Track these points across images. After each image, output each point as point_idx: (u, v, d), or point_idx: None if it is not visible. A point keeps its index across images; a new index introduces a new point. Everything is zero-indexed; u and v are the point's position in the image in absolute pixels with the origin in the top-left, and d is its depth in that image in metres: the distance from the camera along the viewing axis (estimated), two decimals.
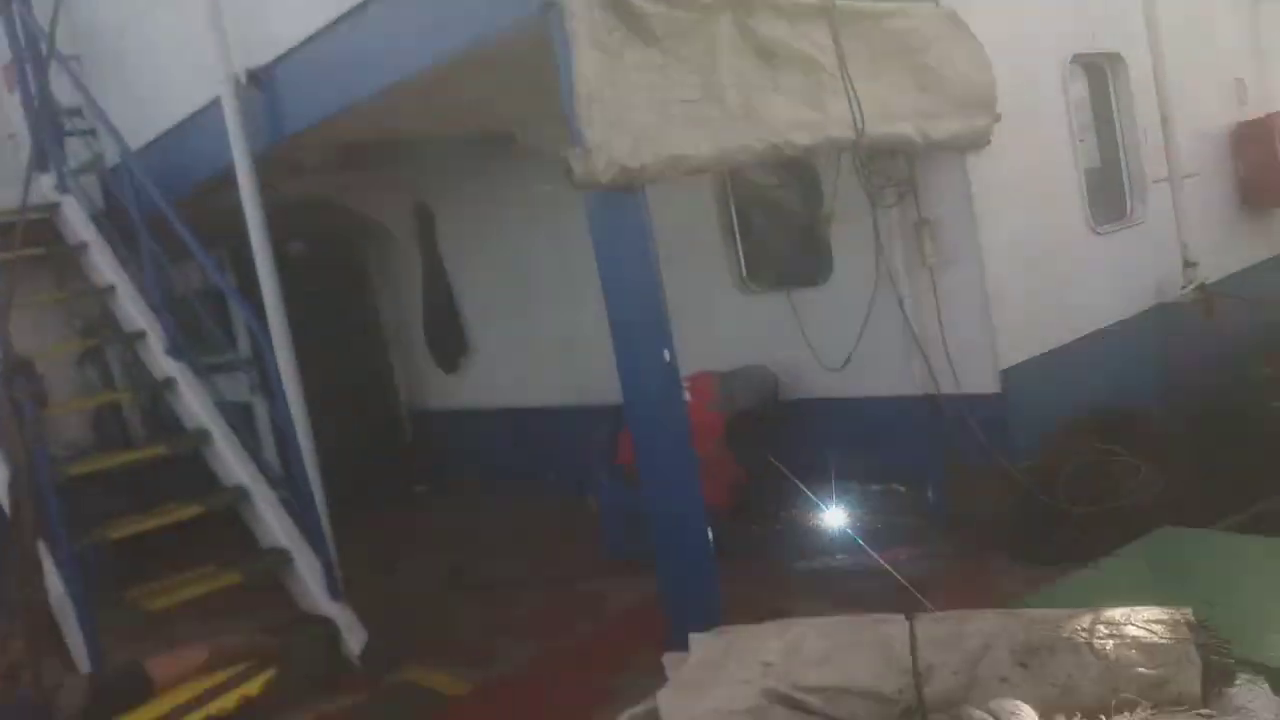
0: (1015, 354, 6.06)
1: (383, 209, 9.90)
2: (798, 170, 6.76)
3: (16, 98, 8.00)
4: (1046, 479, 5.68)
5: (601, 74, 4.11)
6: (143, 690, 3.05)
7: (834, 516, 6.45)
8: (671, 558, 4.54)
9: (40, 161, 7.91)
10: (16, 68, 7.74)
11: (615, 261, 4.36)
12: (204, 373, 6.99)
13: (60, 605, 5.22)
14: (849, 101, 4.85)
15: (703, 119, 4.42)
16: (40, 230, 7.86)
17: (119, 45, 7.88)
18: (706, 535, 4.48)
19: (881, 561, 5.80)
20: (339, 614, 5.88)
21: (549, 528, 7.94)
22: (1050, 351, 6.28)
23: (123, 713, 2.99)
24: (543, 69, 4.23)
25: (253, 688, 3.12)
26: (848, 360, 6.56)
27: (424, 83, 5.25)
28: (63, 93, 7.71)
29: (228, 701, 3.00)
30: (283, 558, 6.13)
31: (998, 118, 5.72)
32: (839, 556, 6.02)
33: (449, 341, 10.04)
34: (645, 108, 4.24)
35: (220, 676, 3.19)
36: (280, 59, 6.06)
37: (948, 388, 6.11)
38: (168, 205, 6.50)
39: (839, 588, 5.68)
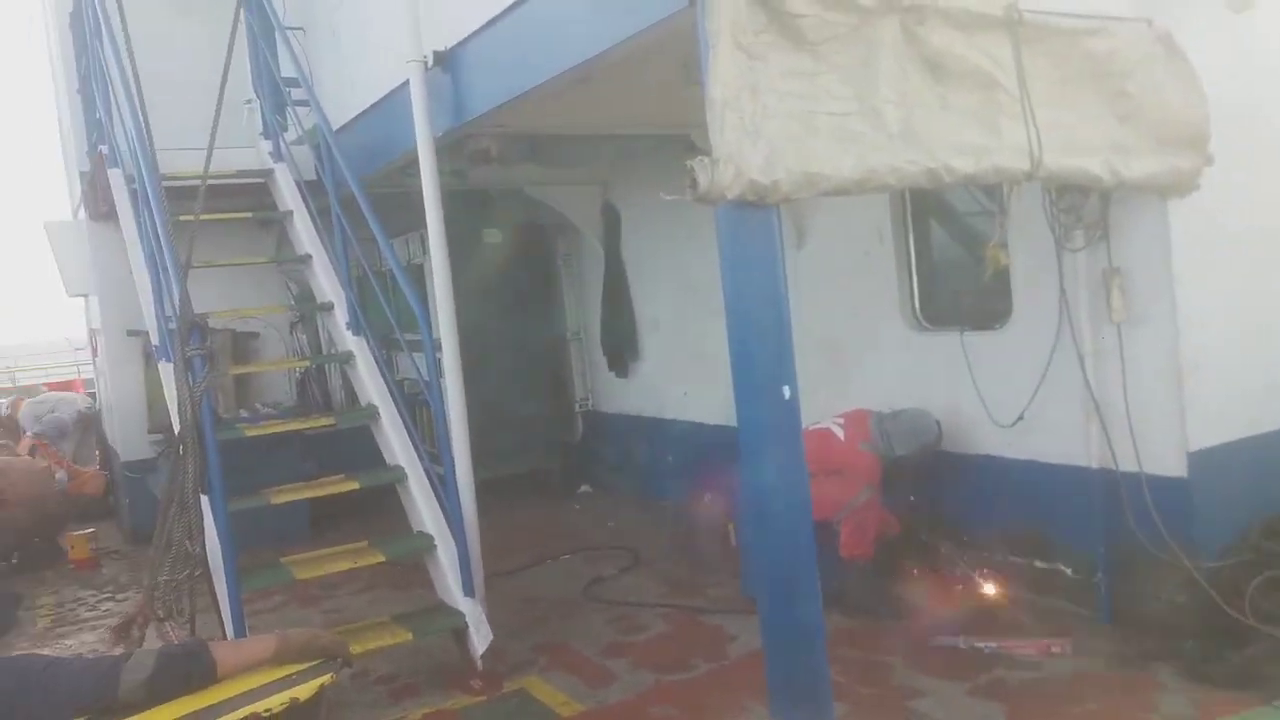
0: (1210, 435, 5.20)
1: (573, 206, 10.02)
2: (990, 198, 6.11)
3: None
4: (1235, 586, 4.86)
5: (741, 77, 3.71)
6: (206, 674, 2.94)
7: (988, 589, 5.91)
8: (776, 619, 4.07)
9: (266, 128, 8.32)
10: (248, 38, 8.05)
11: (740, 283, 3.93)
12: (383, 350, 7.05)
13: (214, 561, 5.36)
14: (1026, 127, 4.22)
15: (851, 134, 3.91)
16: (258, 194, 8.28)
17: (334, 19, 8.14)
18: (817, 601, 3.97)
19: (1033, 652, 5.23)
20: (469, 610, 5.85)
21: (699, 549, 7.63)
22: (1257, 436, 5.37)
23: (182, 693, 2.89)
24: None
25: (305, 690, 2.95)
26: (1020, 418, 5.91)
27: (592, 73, 5.05)
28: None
29: (274, 702, 2.85)
30: (427, 543, 6.13)
31: (1210, 160, 4.84)
32: (988, 637, 5.46)
33: (622, 345, 10.07)
34: (787, 118, 3.78)
35: (281, 672, 3.04)
36: (463, 42, 6.00)
37: (1127, 464, 5.33)
38: (354, 180, 6.57)
39: (981, 674, 5.19)
